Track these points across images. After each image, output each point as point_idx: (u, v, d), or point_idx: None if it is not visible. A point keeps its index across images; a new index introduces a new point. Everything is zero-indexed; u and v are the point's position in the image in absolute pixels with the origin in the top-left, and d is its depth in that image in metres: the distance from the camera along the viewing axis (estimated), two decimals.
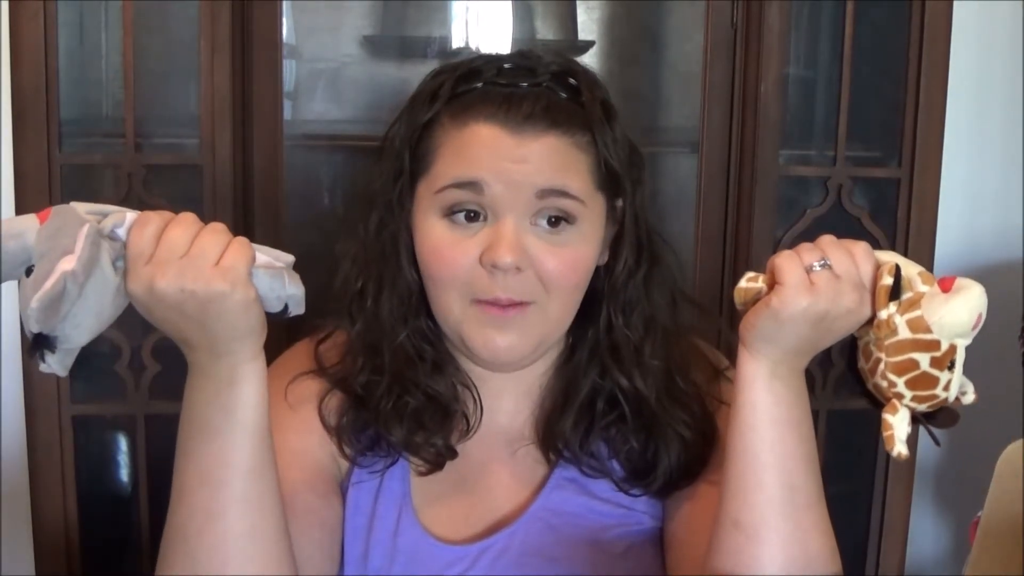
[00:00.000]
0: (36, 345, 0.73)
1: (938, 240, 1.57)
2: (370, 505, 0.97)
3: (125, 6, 1.41)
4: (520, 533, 0.97)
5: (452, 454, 0.97)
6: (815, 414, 0.87)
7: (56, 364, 0.74)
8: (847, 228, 1.54)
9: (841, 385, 1.54)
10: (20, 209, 1.42)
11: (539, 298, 0.92)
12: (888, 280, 0.81)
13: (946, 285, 0.82)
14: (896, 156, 1.56)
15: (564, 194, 0.90)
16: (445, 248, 0.91)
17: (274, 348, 1.00)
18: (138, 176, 1.44)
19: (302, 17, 1.67)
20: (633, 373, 0.97)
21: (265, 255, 0.78)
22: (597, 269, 0.98)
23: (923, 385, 0.83)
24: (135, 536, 1.53)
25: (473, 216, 0.91)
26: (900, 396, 0.84)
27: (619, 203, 0.96)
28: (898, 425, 0.84)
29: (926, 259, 1.56)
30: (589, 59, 1.73)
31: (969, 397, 0.87)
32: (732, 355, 0.87)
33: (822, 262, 0.80)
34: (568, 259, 0.91)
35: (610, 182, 0.94)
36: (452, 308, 0.93)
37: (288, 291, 0.78)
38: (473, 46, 1.68)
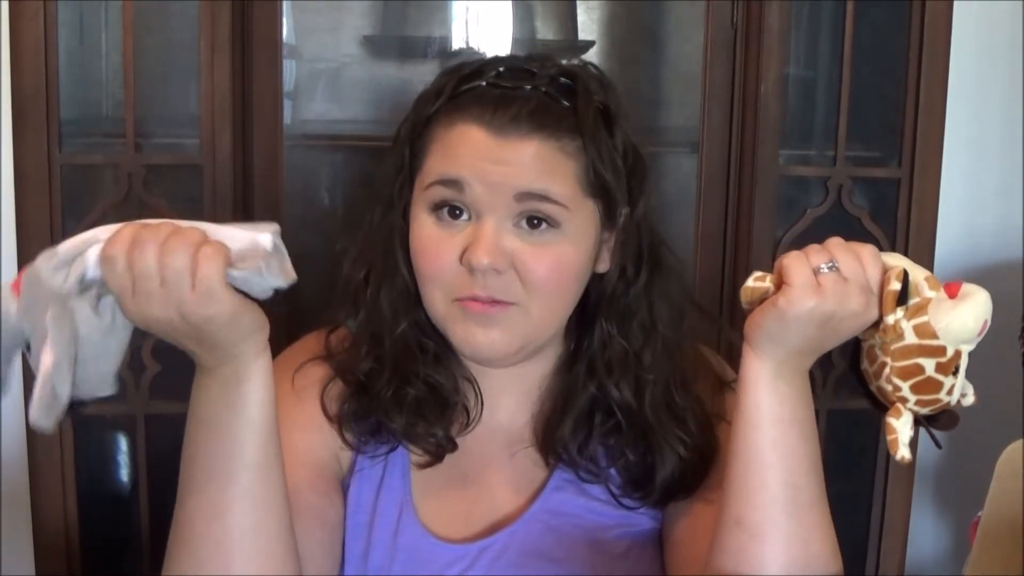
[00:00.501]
0: (71, 409, 0.75)
1: (938, 240, 1.57)
2: (371, 503, 0.97)
3: (125, 6, 1.42)
4: (520, 533, 0.97)
5: (452, 446, 0.97)
6: (815, 414, 0.87)
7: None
8: (847, 228, 1.54)
9: (842, 385, 1.54)
10: (20, 209, 1.42)
11: (521, 299, 0.91)
12: (896, 285, 0.80)
13: (952, 291, 0.82)
14: (896, 156, 1.56)
15: (545, 198, 0.90)
16: (431, 245, 0.92)
17: (274, 347, 1.00)
18: (138, 176, 1.44)
19: (302, 17, 1.67)
20: (627, 387, 0.97)
21: (240, 241, 0.75)
22: (597, 277, 0.98)
23: (928, 389, 0.83)
24: (135, 536, 1.53)
25: (458, 213, 0.91)
26: (904, 400, 0.84)
27: (620, 211, 0.96)
28: (902, 429, 0.84)
29: (926, 259, 1.56)
30: (589, 59, 1.73)
31: (969, 399, 0.87)
32: (733, 355, 0.87)
33: (830, 264, 0.80)
34: (549, 261, 0.91)
35: (602, 189, 0.94)
36: (438, 304, 0.93)
37: (269, 282, 0.75)
38: (473, 46, 1.68)
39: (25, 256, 1.41)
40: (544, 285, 0.91)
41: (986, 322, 0.82)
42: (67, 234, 0.76)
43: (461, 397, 0.99)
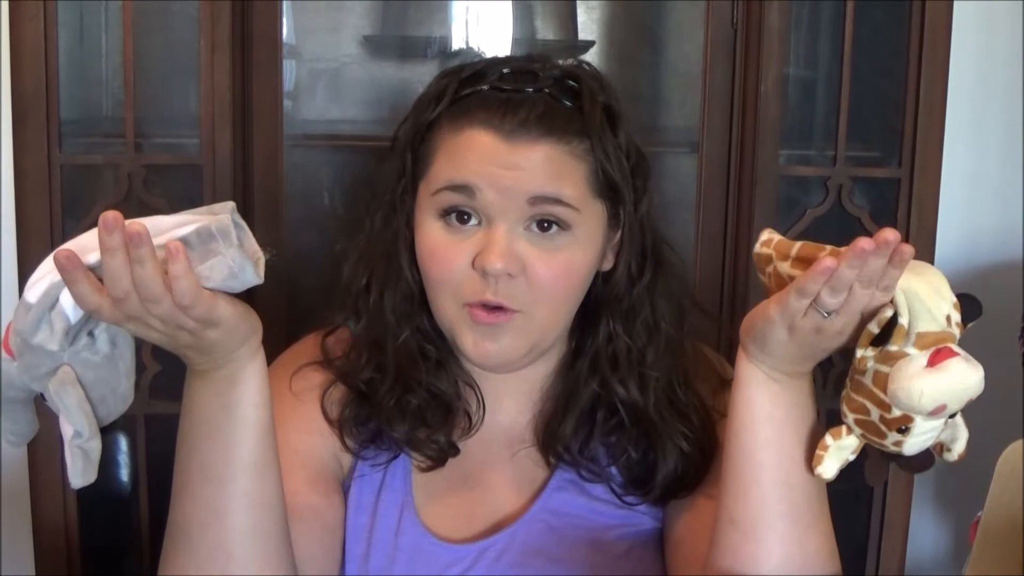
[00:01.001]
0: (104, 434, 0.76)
1: (938, 240, 1.57)
2: (372, 503, 0.97)
3: (125, 6, 1.42)
4: (521, 533, 0.97)
5: (454, 451, 0.97)
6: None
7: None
8: (847, 228, 1.54)
9: (842, 385, 1.54)
10: (20, 209, 1.42)
11: (527, 307, 0.91)
12: (875, 329, 0.77)
13: (935, 359, 0.75)
14: (896, 156, 1.56)
15: (557, 201, 0.90)
16: (440, 249, 0.91)
17: (275, 347, 1.00)
18: (138, 176, 1.44)
19: (302, 17, 1.67)
20: (633, 384, 0.97)
21: (195, 239, 0.71)
22: (601, 275, 0.97)
23: (872, 432, 0.79)
24: (135, 536, 1.54)
25: (467, 218, 0.91)
26: (849, 429, 0.81)
27: (625, 209, 0.96)
28: (833, 452, 0.81)
29: (926, 259, 1.55)
30: (589, 59, 1.73)
31: (954, 455, 0.81)
32: (733, 354, 0.87)
33: (828, 313, 0.76)
34: (560, 265, 0.91)
35: (610, 189, 0.94)
36: (447, 309, 0.93)
37: (243, 279, 0.72)
38: (473, 46, 1.68)
39: (25, 256, 1.41)
40: (552, 289, 0.91)
41: (945, 406, 0.75)
42: (67, 235, 0.76)
43: (463, 402, 0.99)
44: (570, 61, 0.97)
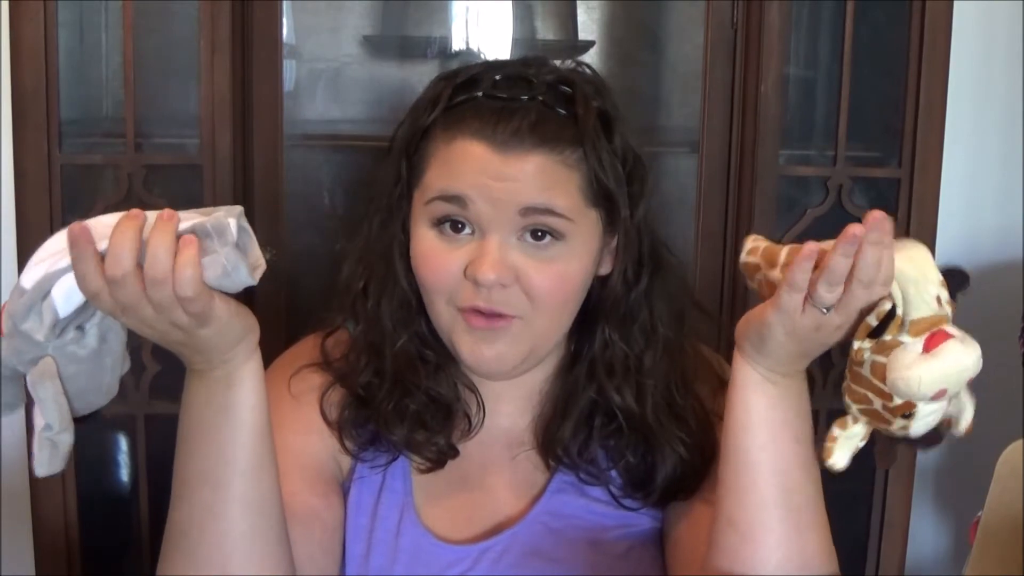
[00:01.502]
0: (83, 423, 0.77)
1: (938, 240, 1.57)
2: (372, 504, 0.97)
3: (125, 6, 1.42)
4: (521, 535, 0.97)
5: (454, 453, 0.97)
6: (815, 413, 0.87)
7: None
8: None
9: (841, 380, 1.54)
10: (20, 209, 1.42)
11: (525, 312, 0.91)
12: (874, 322, 0.77)
13: (930, 344, 0.75)
14: (896, 156, 1.56)
15: (550, 212, 0.89)
16: (433, 257, 0.91)
17: (274, 348, 1.00)
18: (138, 176, 1.44)
19: (302, 17, 1.67)
20: (629, 392, 0.96)
21: (209, 241, 0.72)
22: (598, 279, 0.97)
23: (877, 419, 0.80)
24: (135, 536, 1.54)
25: (460, 227, 0.91)
26: (855, 419, 0.81)
27: (621, 215, 0.95)
28: (842, 443, 0.81)
29: None
30: (589, 59, 1.73)
31: (961, 429, 0.81)
32: (731, 353, 0.87)
33: (827, 309, 0.76)
34: (555, 275, 0.91)
35: (604, 197, 0.93)
36: (443, 315, 0.93)
37: (237, 279, 0.72)
38: (473, 46, 1.68)
39: (25, 256, 1.40)
40: (549, 299, 0.91)
41: (945, 391, 0.75)
42: None
43: (462, 405, 0.99)
44: (567, 63, 0.96)
